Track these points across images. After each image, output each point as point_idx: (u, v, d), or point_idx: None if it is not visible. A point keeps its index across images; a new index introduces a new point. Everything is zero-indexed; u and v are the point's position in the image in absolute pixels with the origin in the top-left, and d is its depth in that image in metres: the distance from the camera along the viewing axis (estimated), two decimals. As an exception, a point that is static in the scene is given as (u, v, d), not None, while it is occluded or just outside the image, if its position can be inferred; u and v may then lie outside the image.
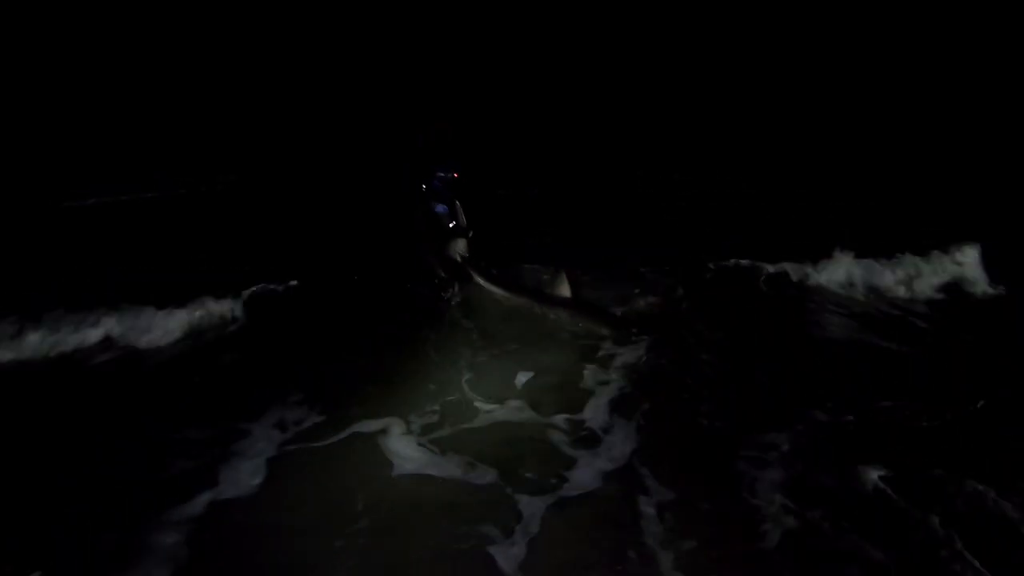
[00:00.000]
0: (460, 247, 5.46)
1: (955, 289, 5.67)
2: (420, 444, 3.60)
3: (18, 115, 10.69)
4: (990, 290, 5.59)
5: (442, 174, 5.33)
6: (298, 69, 13.68)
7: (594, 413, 3.88)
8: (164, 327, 4.87)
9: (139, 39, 12.93)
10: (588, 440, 3.63)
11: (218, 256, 6.50)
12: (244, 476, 3.35)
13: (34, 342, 4.62)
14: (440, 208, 5.34)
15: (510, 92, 13.90)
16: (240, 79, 13.17)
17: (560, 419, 3.82)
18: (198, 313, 5.02)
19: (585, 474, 3.35)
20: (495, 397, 4.05)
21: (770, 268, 5.94)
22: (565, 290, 5.10)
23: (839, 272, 5.74)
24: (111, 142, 10.66)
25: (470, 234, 5.45)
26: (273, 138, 11.69)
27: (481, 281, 5.35)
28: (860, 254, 5.88)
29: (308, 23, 14.26)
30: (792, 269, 5.88)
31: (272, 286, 5.53)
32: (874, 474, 3.31)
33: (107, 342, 4.76)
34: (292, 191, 9.31)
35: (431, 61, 13.72)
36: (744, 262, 6.05)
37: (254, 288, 5.43)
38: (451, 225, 5.34)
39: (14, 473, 3.49)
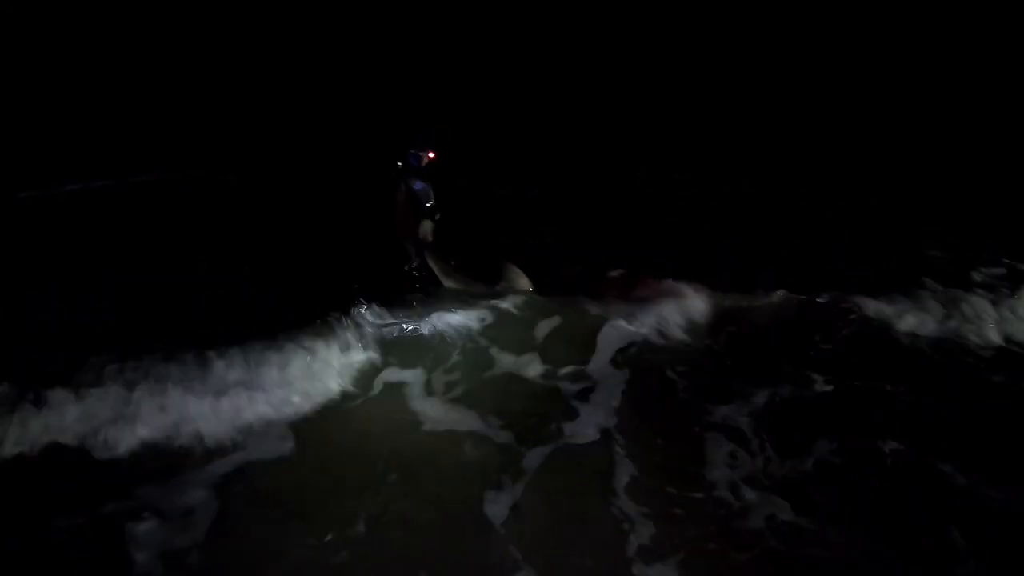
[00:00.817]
0: (426, 229, 5.45)
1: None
2: (441, 398, 3.92)
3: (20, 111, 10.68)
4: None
5: (419, 152, 5.28)
6: (300, 70, 13.67)
7: (599, 373, 4.20)
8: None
9: (137, 36, 12.92)
10: (591, 396, 3.95)
11: (218, 255, 6.51)
12: (272, 439, 3.54)
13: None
14: (419, 186, 5.27)
15: (510, 92, 13.89)
16: (244, 80, 13.16)
17: (568, 374, 4.14)
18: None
19: (585, 429, 3.65)
20: (511, 350, 4.35)
21: (773, 270, 5.95)
22: (524, 283, 5.26)
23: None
24: (108, 137, 10.63)
25: (436, 217, 5.40)
26: (273, 139, 11.68)
27: (436, 269, 5.41)
28: (862, 257, 5.88)
29: (312, 25, 14.25)
30: (795, 270, 5.89)
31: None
32: (871, 468, 3.36)
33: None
34: (292, 190, 9.31)
35: (432, 62, 13.71)
36: (747, 265, 6.06)
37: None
38: (427, 204, 5.28)
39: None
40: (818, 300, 5.54)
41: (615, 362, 4.35)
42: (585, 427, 3.69)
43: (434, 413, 3.80)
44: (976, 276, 5.86)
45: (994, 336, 4.80)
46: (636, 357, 4.42)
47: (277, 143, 11.49)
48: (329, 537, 2.96)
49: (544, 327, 4.80)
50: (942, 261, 6.15)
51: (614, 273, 5.70)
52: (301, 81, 13.50)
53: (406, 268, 5.40)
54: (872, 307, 5.42)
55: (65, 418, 3.57)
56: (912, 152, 10.34)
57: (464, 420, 3.73)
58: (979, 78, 12.25)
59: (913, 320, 5.15)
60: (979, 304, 5.20)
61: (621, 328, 4.69)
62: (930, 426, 3.77)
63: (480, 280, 5.45)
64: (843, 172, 9.66)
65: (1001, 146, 10.09)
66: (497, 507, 3.11)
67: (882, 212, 7.79)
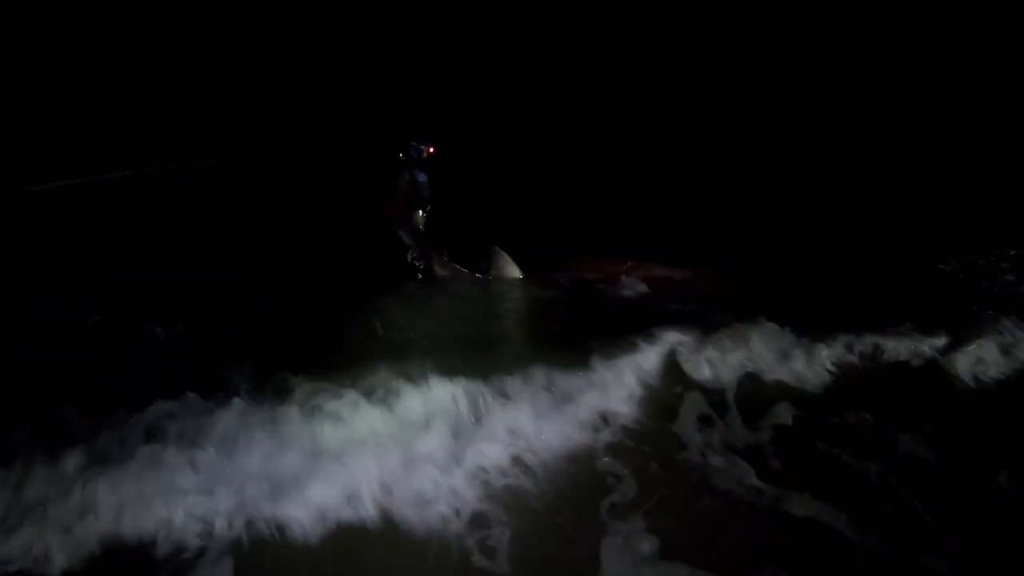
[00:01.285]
0: (417, 220, 5.50)
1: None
2: (436, 368, 3.83)
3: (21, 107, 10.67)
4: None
5: (419, 145, 5.36)
6: (301, 72, 13.69)
7: (584, 345, 4.13)
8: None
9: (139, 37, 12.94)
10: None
11: (218, 255, 6.50)
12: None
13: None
14: (422, 178, 5.35)
15: (510, 93, 13.91)
16: (244, 80, 13.18)
17: (555, 344, 4.21)
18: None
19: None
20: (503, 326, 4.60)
21: (773, 270, 5.94)
22: (514, 270, 5.44)
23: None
24: (107, 134, 10.63)
25: (427, 208, 5.47)
26: (273, 139, 11.70)
27: (434, 262, 5.52)
28: (862, 257, 5.87)
29: (314, 26, 14.28)
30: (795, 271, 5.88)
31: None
32: (843, 442, 3.39)
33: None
34: (291, 190, 9.32)
35: (432, 62, 13.73)
36: (747, 265, 6.05)
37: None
38: (424, 196, 5.36)
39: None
40: (812, 290, 5.54)
41: (601, 336, 4.36)
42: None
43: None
44: (974, 271, 5.88)
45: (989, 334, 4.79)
46: (622, 331, 4.44)
47: (276, 142, 11.53)
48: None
49: (533, 306, 5.06)
50: (942, 261, 6.15)
51: (604, 256, 5.86)
52: (303, 82, 13.52)
53: (409, 258, 5.45)
54: (868, 300, 5.41)
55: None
56: (913, 152, 10.35)
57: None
58: (980, 78, 12.25)
59: (912, 317, 5.15)
60: (980, 302, 5.19)
61: (608, 305, 4.86)
62: (912, 410, 3.78)
63: (472, 269, 5.63)
64: (843, 172, 9.68)
65: (1003, 146, 10.10)
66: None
67: (882, 212, 7.80)
